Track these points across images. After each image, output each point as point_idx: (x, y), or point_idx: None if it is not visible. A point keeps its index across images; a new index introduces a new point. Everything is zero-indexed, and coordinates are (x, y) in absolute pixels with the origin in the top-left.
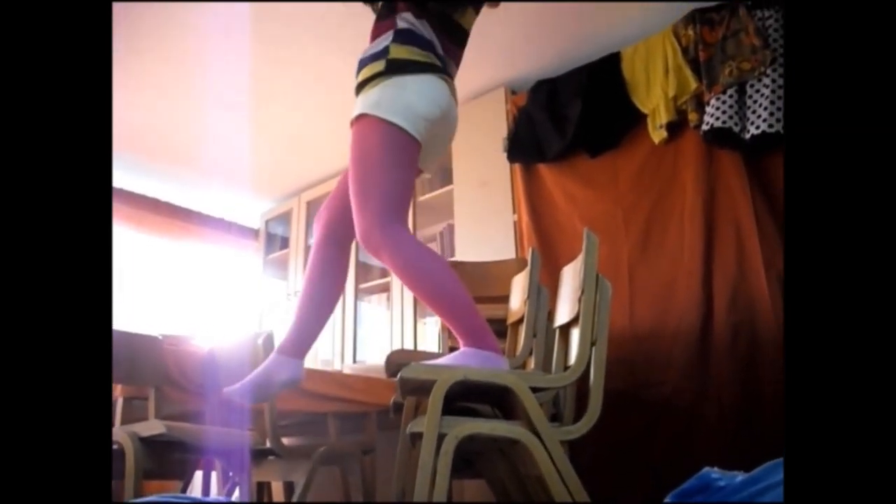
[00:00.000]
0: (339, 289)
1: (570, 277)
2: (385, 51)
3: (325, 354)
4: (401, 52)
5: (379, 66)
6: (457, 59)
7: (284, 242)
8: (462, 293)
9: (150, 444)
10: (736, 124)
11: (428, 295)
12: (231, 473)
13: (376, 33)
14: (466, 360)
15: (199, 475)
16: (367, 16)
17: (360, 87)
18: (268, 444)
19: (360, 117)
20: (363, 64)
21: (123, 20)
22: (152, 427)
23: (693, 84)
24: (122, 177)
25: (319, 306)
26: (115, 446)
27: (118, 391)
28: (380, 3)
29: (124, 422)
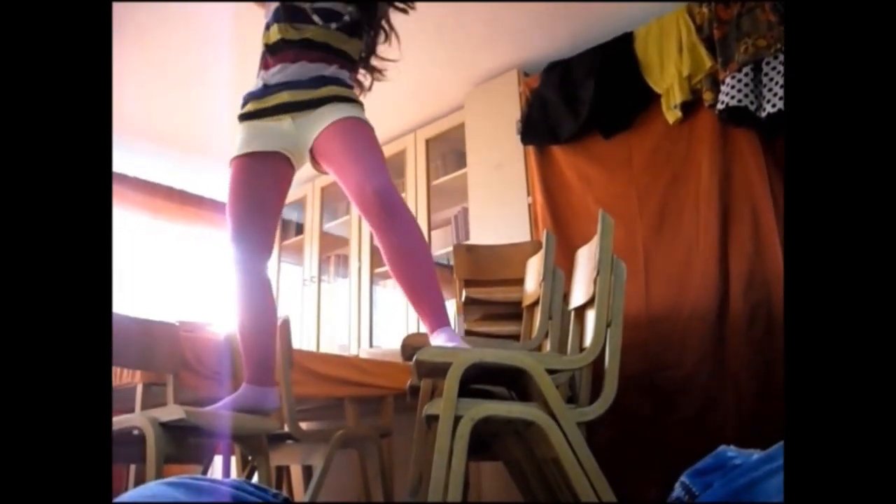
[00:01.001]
0: (275, 308)
1: (586, 259)
2: (352, 87)
3: (341, 339)
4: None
5: (353, 94)
6: None
7: (299, 228)
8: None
9: (170, 430)
10: (752, 103)
11: (425, 266)
12: (250, 458)
13: (338, 62)
14: (454, 340)
15: (218, 459)
16: None
17: (339, 98)
18: (286, 429)
19: (360, 118)
20: (335, 81)
21: (135, 12)
22: (172, 412)
23: (708, 62)
24: (137, 164)
25: (268, 331)
26: (135, 432)
27: (137, 377)
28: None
29: (144, 407)
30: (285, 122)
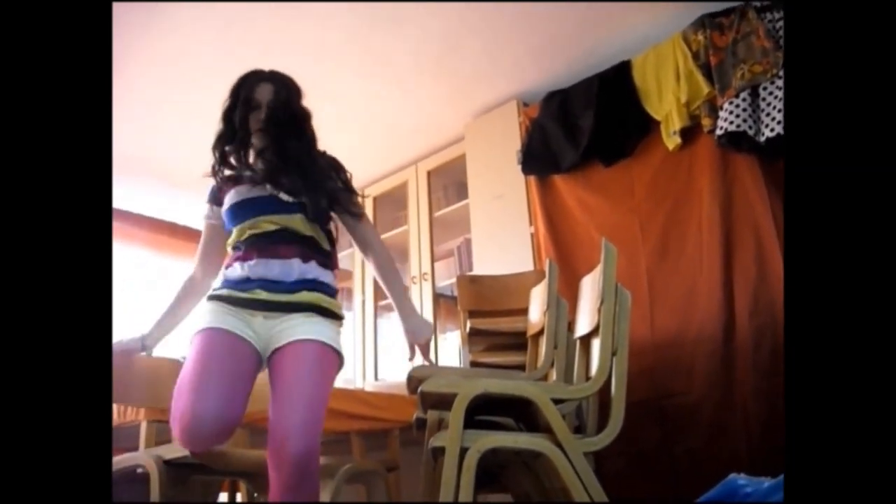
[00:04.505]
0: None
1: (590, 288)
2: (335, 293)
3: (346, 372)
4: None
5: (335, 304)
6: None
7: None
8: None
9: (174, 467)
10: (750, 127)
11: None
12: (255, 494)
13: (316, 258)
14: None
15: (223, 497)
16: (376, 41)
17: (314, 309)
18: None
19: (325, 345)
20: (315, 287)
21: (132, 47)
22: (176, 450)
23: (705, 89)
24: (141, 201)
25: None
26: (139, 470)
27: (142, 415)
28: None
29: (148, 445)
30: (258, 318)
